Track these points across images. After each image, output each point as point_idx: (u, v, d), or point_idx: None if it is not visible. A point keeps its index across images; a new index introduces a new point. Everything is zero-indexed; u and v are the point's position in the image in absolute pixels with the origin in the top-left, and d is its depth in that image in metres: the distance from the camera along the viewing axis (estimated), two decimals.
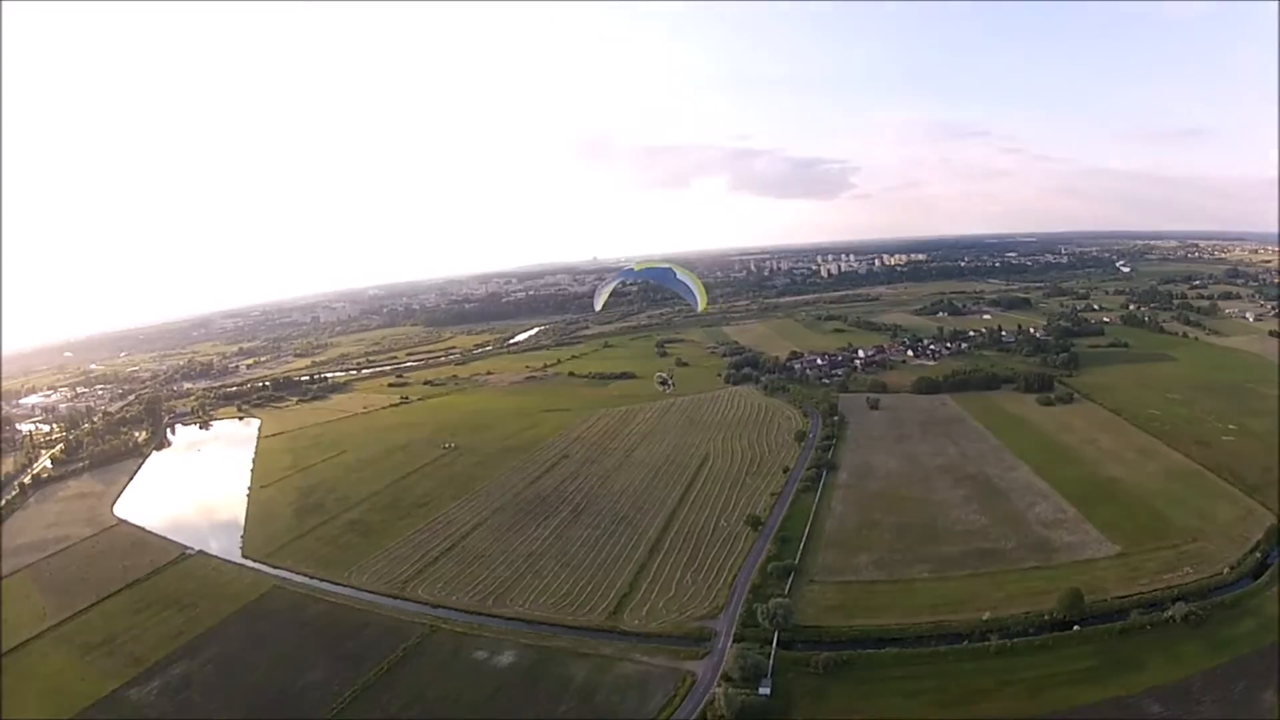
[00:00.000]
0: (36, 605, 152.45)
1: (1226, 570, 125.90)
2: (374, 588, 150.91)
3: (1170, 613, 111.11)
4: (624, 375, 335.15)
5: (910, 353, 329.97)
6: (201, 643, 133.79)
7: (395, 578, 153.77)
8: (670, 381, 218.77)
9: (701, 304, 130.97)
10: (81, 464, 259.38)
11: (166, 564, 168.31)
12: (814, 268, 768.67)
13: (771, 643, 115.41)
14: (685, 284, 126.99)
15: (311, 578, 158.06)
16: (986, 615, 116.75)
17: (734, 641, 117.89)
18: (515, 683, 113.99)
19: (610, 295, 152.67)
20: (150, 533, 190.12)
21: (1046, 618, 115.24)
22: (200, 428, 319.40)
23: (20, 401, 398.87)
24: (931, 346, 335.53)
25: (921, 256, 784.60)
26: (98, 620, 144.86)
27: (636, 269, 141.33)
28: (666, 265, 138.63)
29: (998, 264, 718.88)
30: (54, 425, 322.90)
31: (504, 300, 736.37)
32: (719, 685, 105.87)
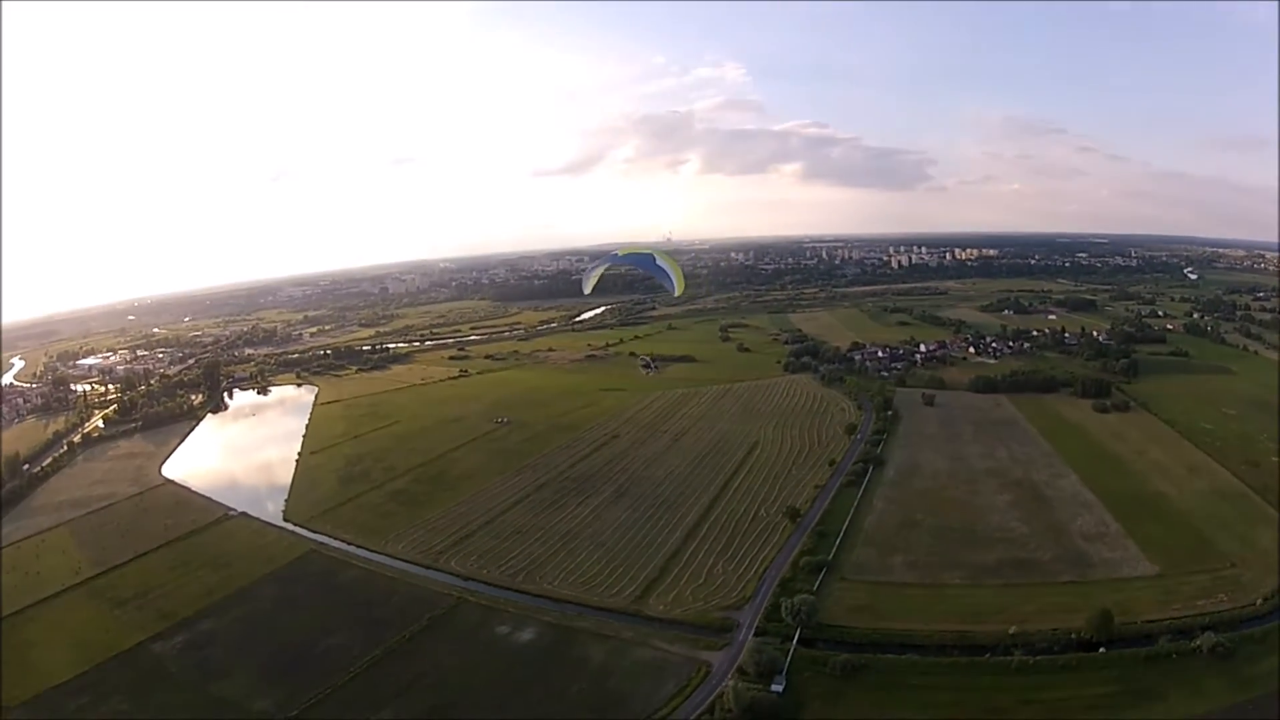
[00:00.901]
0: (72, 560, 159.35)
1: (1260, 601, 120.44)
2: (408, 557, 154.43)
3: (1198, 642, 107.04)
4: (684, 358, 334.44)
5: (972, 349, 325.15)
6: (232, 601, 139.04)
7: (430, 548, 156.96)
8: (654, 365, 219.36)
9: (679, 288, 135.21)
10: (134, 425, 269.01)
11: (208, 524, 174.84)
12: (885, 258, 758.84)
13: (792, 639, 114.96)
14: (664, 269, 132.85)
15: (349, 544, 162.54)
16: (1013, 629, 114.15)
17: (755, 635, 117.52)
18: (532, 660, 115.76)
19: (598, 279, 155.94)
20: (195, 493, 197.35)
21: (1074, 637, 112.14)
22: (258, 393, 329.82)
23: (78, 363, 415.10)
24: (994, 344, 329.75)
25: (993, 252, 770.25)
26: (132, 576, 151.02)
27: (621, 254, 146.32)
28: (648, 251, 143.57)
29: (1068, 264, 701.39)
30: (110, 386, 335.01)
31: (573, 277, 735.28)
32: (732, 679, 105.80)
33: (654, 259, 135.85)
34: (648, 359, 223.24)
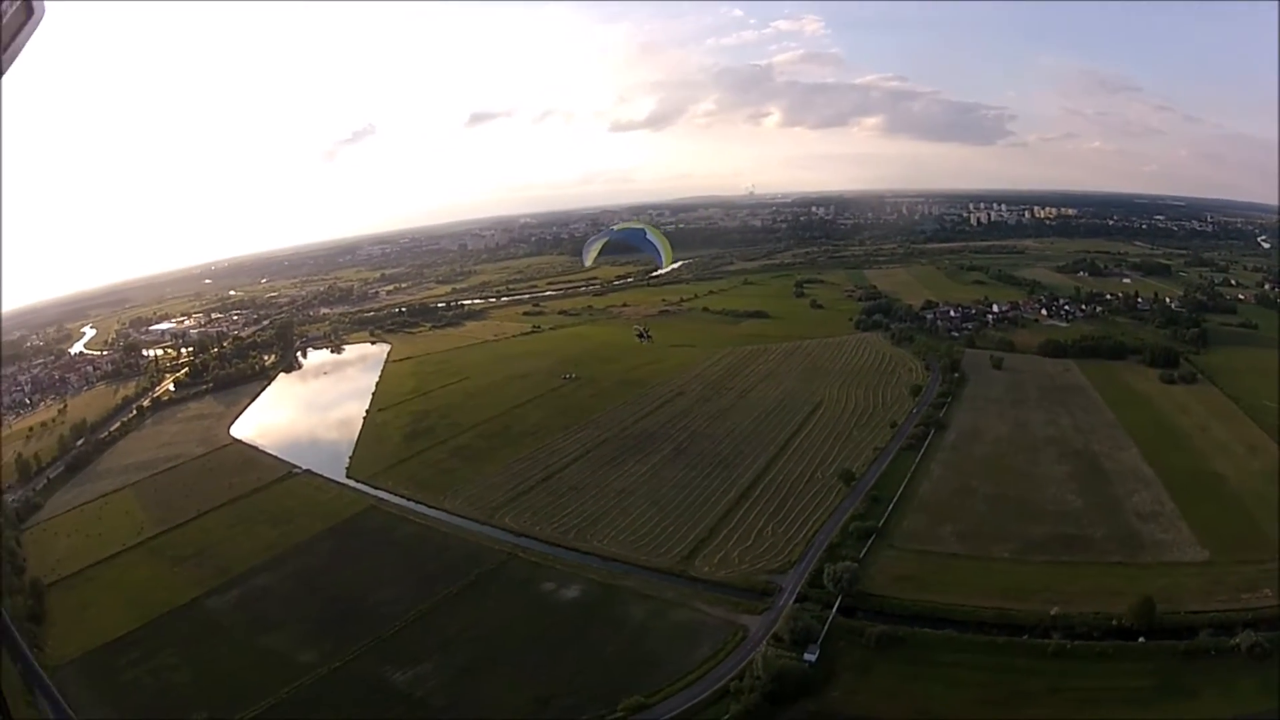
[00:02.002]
0: (135, 520, 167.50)
1: None
2: (465, 513, 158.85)
3: (1238, 640, 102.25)
4: (757, 314, 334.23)
5: (1044, 312, 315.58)
6: (288, 556, 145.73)
7: (487, 504, 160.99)
8: (648, 334, 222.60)
9: (666, 261, 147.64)
10: (205, 387, 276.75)
11: (272, 482, 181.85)
12: (965, 215, 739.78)
13: (832, 607, 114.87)
14: (653, 243, 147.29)
15: (408, 500, 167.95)
16: (1054, 610, 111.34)
17: (796, 601, 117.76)
18: (573, 618, 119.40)
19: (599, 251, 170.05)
20: (262, 451, 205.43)
21: (1115, 623, 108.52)
22: (331, 352, 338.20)
23: (150, 328, 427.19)
24: (1066, 307, 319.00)
25: (1072, 211, 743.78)
26: (194, 533, 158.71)
27: (617, 229, 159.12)
28: (640, 226, 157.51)
29: (1145, 226, 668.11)
30: (182, 350, 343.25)
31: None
32: (765, 645, 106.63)
33: (645, 234, 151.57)
34: (642, 329, 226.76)
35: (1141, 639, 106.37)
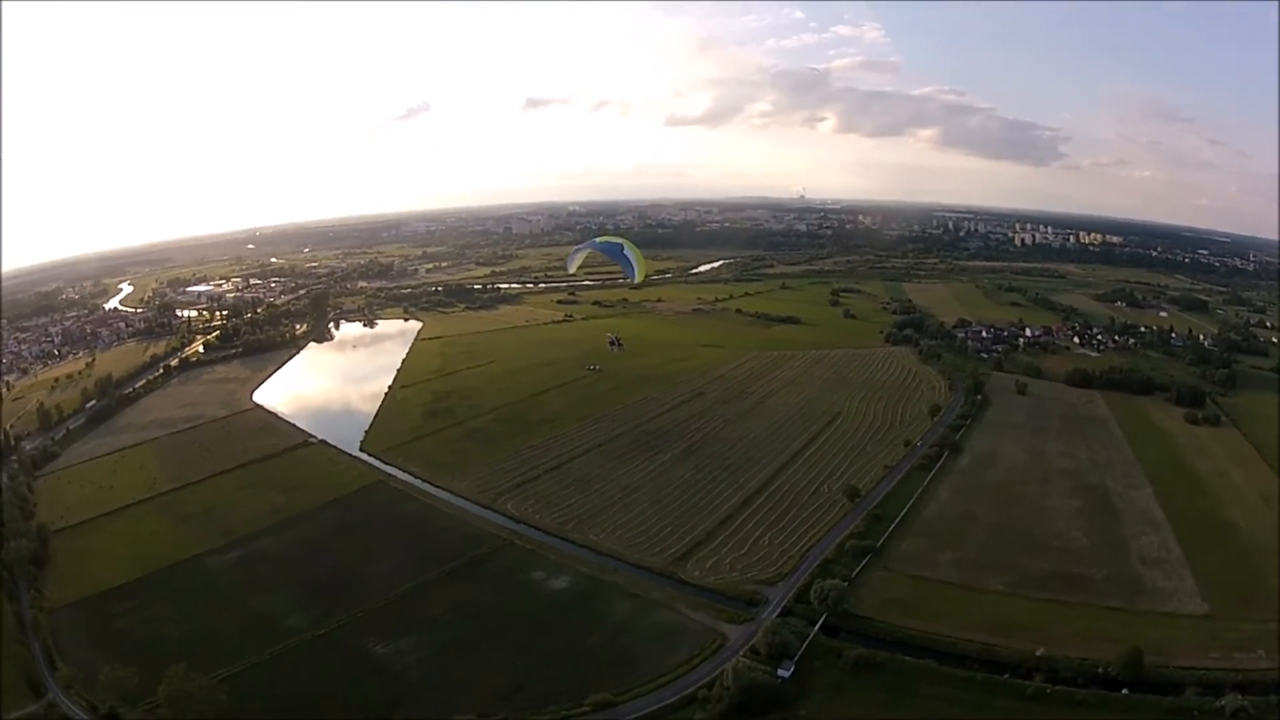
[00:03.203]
0: (149, 475, 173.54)
1: None
2: (469, 495, 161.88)
3: (1223, 702, 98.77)
4: (789, 319, 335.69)
5: (1076, 339, 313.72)
6: (291, 523, 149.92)
7: (492, 488, 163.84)
8: (619, 343, 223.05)
9: (639, 276, 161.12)
10: (234, 351, 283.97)
11: (286, 449, 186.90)
12: (1010, 235, 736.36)
13: (815, 624, 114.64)
14: (628, 259, 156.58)
15: (415, 477, 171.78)
16: (1041, 651, 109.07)
17: (780, 615, 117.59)
18: (557, 608, 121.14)
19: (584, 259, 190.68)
20: (281, 418, 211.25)
21: (1100, 671, 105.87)
22: (364, 325, 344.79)
23: (187, 289, 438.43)
24: (1099, 336, 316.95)
25: (1118, 239, 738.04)
26: (205, 493, 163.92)
27: (599, 241, 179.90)
28: (620, 240, 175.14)
29: (1188, 259, 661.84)
30: (216, 313, 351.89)
31: (697, 229, 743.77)
32: (739, 657, 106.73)
33: (622, 249, 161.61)
34: (614, 337, 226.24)
35: (1125, 691, 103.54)
